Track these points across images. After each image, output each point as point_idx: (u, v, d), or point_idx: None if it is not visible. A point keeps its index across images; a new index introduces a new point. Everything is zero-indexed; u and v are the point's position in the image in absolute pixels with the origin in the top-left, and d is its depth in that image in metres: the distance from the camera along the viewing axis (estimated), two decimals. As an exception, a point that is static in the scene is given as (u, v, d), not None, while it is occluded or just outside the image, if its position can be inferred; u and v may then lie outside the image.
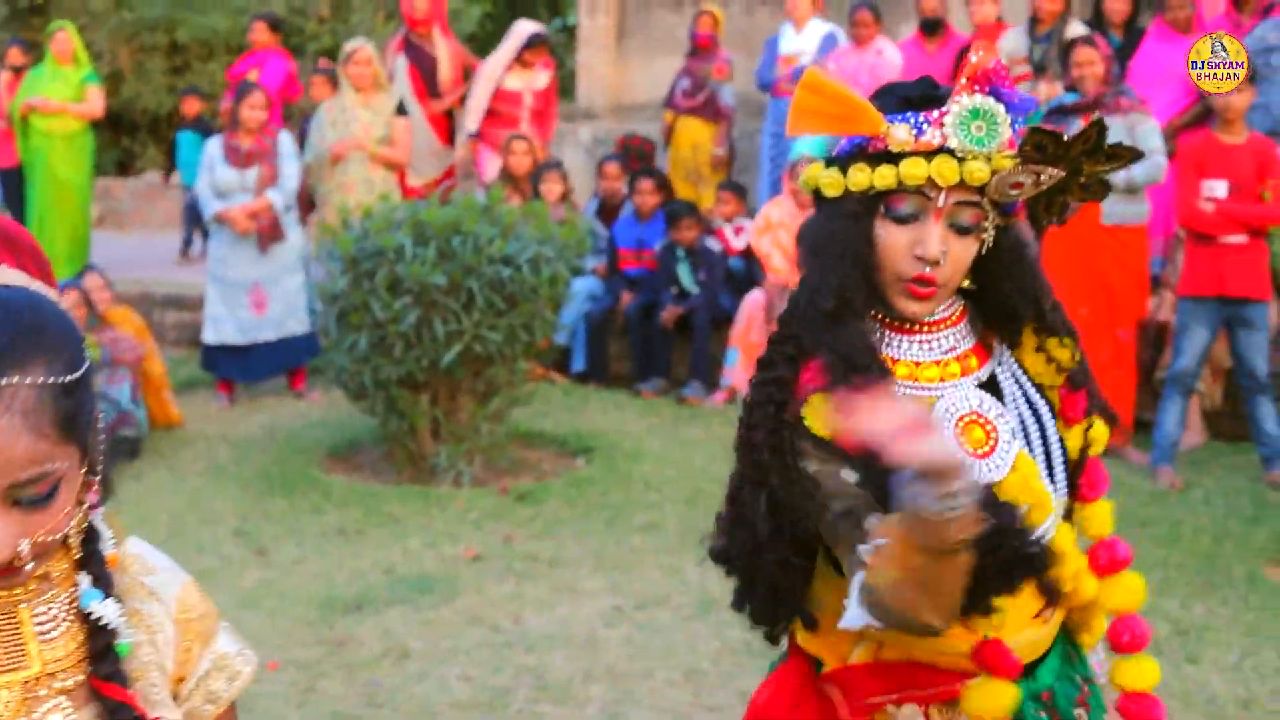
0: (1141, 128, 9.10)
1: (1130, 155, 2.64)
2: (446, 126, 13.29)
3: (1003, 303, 2.74)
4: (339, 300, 8.97)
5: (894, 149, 2.60)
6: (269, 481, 9.16)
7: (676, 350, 11.44)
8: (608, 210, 12.34)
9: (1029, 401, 2.76)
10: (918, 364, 2.72)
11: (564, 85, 18.65)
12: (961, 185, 2.59)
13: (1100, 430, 2.79)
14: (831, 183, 2.65)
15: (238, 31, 19.84)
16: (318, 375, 11.34)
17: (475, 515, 8.48)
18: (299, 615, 6.98)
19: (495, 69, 12.99)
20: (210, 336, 11.33)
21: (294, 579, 7.51)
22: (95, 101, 13.77)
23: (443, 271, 8.59)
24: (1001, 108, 2.59)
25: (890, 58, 12.14)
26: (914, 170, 2.57)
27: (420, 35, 13.22)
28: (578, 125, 16.35)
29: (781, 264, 10.92)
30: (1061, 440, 2.75)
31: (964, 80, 2.60)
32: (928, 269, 2.62)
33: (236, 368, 11.39)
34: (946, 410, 2.68)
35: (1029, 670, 2.72)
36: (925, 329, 2.72)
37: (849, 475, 2.53)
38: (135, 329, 10.45)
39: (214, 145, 11.27)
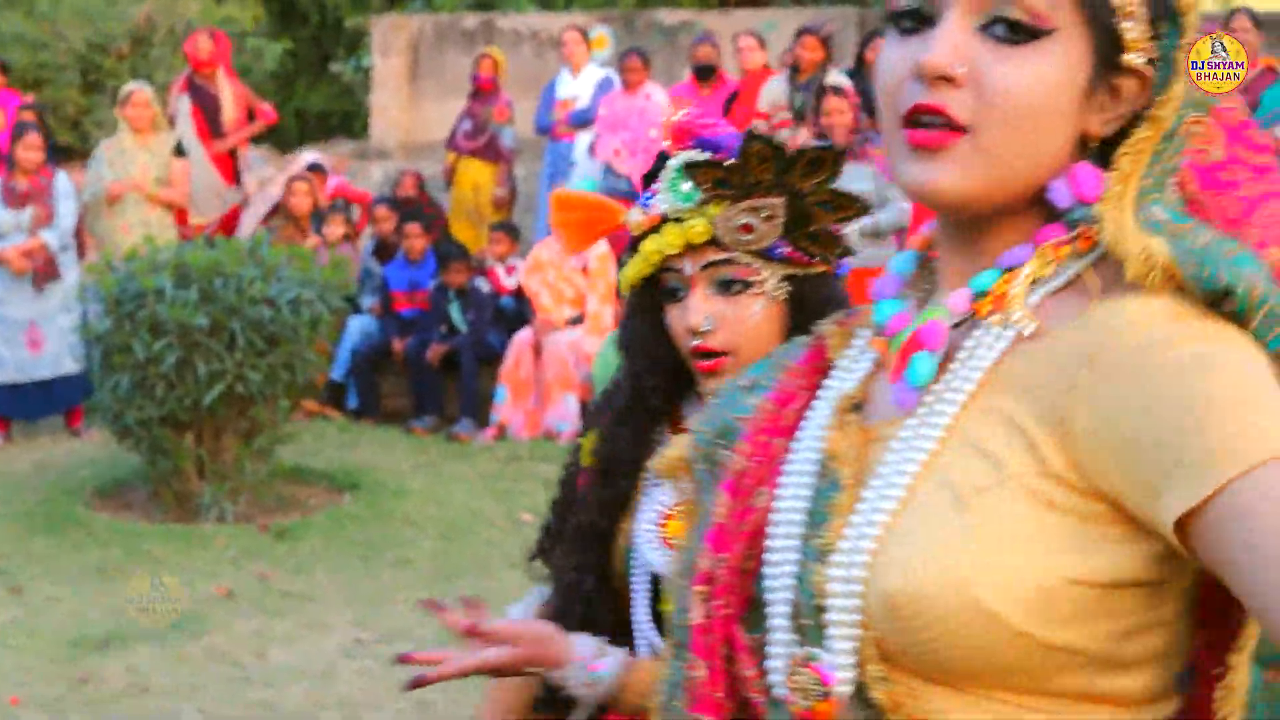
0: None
1: (858, 208, 2.52)
2: (230, 166, 13.41)
3: None
4: (102, 340, 9.09)
5: (635, 233, 2.55)
6: (34, 520, 9.23)
7: (449, 388, 11.66)
8: (385, 250, 12.55)
9: None
10: None
11: (356, 124, 18.86)
12: (710, 246, 2.49)
13: None
14: (623, 279, 2.61)
15: (34, 67, 19.78)
16: (95, 413, 11.42)
17: (234, 553, 8.63)
18: (46, 652, 7.11)
19: (274, 194, 13.09)
20: (-11, 375, 11.34)
21: (46, 617, 7.62)
22: None
23: (204, 313, 8.75)
24: (707, 156, 2.49)
25: (658, 101, 12.49)
26: (650, 248, 2.52)
27: (204, 76, 13.35)
28: (370, 164, 16.55)
29: (549, 302, 11.20)
30: None
31: (668, 143, 2.55)
32: (696, 340, 2.51)
33: (12, 405, 11.42)
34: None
35: None
36: None
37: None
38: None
39: (-12, 184, 11.31)
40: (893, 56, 1.51)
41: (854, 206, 2.48)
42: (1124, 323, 1.41)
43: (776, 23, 14.52)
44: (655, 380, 2.64)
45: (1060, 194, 1.50)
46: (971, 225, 1.53)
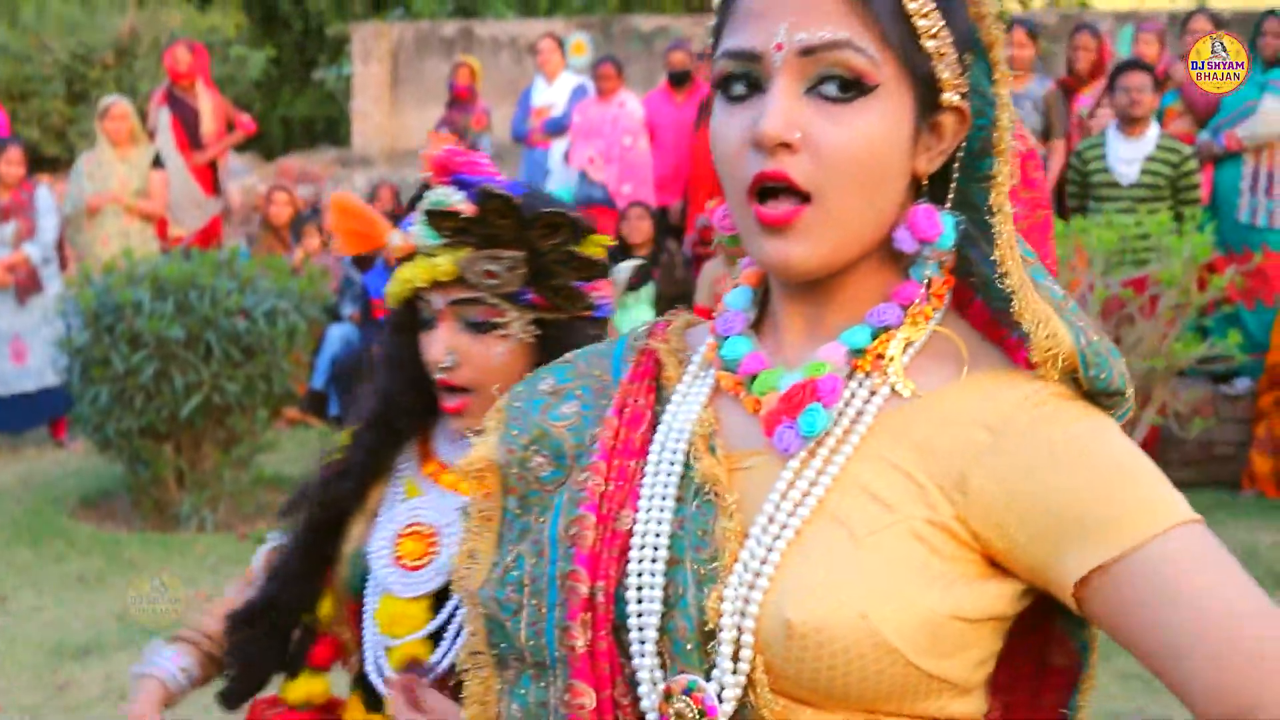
0: None
1: (599, 269, 2.57)
2: (210, 177, 13.54)
3: None
4: (82, 353, 9.24)
5: (395, 257, 2.61)
6: (17, 530, 9.37)
7: (429, 394, 11.78)
8: (364, 258, 12.68)
9: None
10: (444, 465, 2.69)
11: (340, 131, 19.00)
12: (458, 284, 2.52)
13: None
14: (386, 295, 2.67)
15: (19, 79, 19.94)
16: (78, 425, 11.56)
17: (214, 560, 8.78)
18: (27, 661, 7.25)
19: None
20: (-25, 389, 11.49)
21: (28, 625, 7.76)
22: None
23: (181, 325, 8.89)
24: (460, 195, 2.52)
25: (632, 109, 12.63)
26: (404, 275, 2.58)
27: (183, 88, 13.48)
28: (353, 171, 16.71)
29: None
30: None
31: (428, 175, 2.57)
32: (440, 373, 2.56)
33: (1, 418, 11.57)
34: (414, 510, 2.71)
35: None
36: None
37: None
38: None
39: (-35, 198, 11.45)
40: (728, 126, 1.61)
41: (595, 268, 2.54)
42: (1020, 396, 1.57)
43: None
44: (406, 399, 2.68)
45: (905, 241, 1.62)
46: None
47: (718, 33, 1.65)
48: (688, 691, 1.55)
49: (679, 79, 12.99)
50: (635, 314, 11.33)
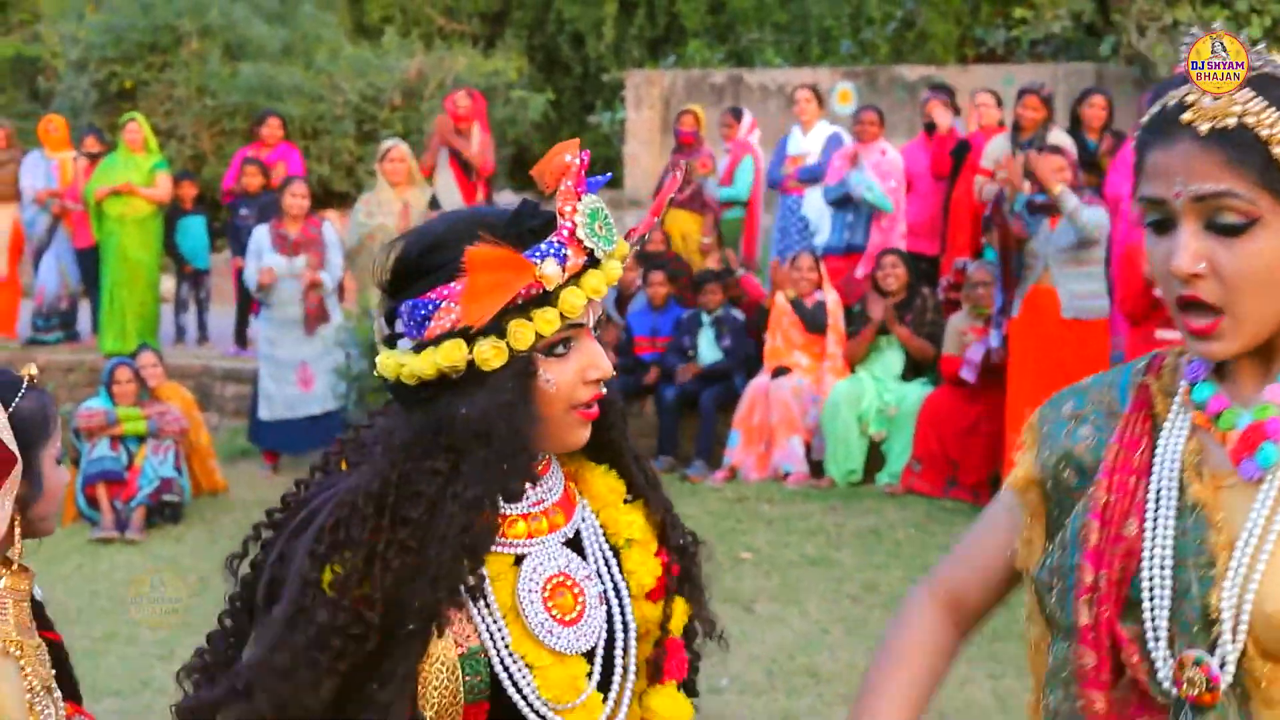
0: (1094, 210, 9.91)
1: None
2: (485, 214, 14.21)
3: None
4: (359, 380, 9.89)
5: (550, 288, 2.33)
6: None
7: (685, 430, 12.23)
8: (623, 299, 13.17)
9: (608, 563, 2.52)
10: (505, 518, 2.43)
11: (615, 173, 19.58)
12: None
13: (682, 609, 2.57)
14: (495, 351, 2.32)
15: (312, 117, 20.89)
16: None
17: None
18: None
19: None
20: (265, 413, 12.21)
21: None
22: (164, 186, 14.77)
23: (449, 356, 9.46)
24: (600, 199, 2.41)
25: (892, 157, 12.96)
26: (575, 300, 2.35)
27: (462, 130, 14.21)
28: (624, 212, 17.25)
29: (781, 345, 11.82)
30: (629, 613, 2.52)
31: (563, 188, 2.36)
32: (603, 387, 2.43)
33: (284, 439, 12.30)
34: (534, 570, 2.43)
35: None
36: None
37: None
38: (183, 403, 11.36)
39: (261, 233, 12.24)
40: (1155, 254, 2.14)
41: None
42: None
43: (1013, 77, 14.86)
44: (531, 460, 2.43)
45: None
46: None
47: (1136, 174, 2.17)
48: (1197, 664, 2.05)
49: (932, 127, 13.30)
50: (887, 357, 11.64)
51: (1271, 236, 2.04)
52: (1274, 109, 2.04)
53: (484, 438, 2.31)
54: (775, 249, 13.71)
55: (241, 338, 15.09)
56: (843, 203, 12.86)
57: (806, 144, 13.59)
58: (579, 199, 2.36)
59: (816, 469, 11.57)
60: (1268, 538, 2.04)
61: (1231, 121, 2.03)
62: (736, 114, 14.65)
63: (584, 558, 2.48)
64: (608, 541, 2.53)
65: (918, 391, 11.31)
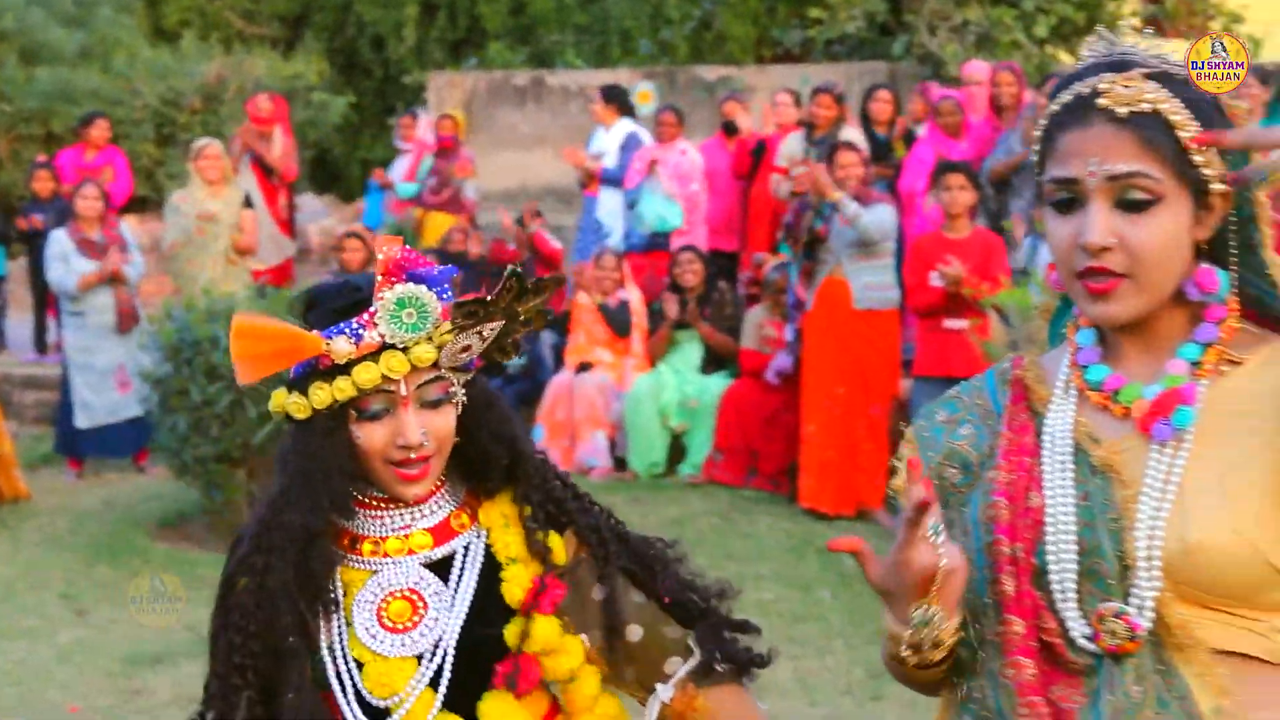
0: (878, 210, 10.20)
1: (551, 284, 2.77)
2: (288, 218, 14.23)
3: (480, 452, 2.83)
4: (162, 384, 9.88)
5: (340, 361, 2.66)
6: (99, 550, 10.01)
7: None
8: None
9: (470, 585, 2.81)
10: (382, 539, 2.82)
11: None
12: (431, 367, 2.71)
13: (547, 628, 2.77)
14: (298, 406, 2.71)
15: (111, 122, 20.62)
16: (160, 451, 12.18)
17: (281, 578, 9.35)
18: (105, 668, 7.87)
19: None
20: (83, 421, 11.98)
21: (107, 637, 8.39)
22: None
23: (254, 358, 9.49)
24: (423, 288, 2.67)
25: (692, 156, 13.22)
26: (367, 375, 2.65)
27: (264, 134, 14.19)
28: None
29: (584, 342, 11.98)
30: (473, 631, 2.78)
31: (379, 277, 2.69)
32: (412, 454, 2.72)
33: (105, 444, 12.15)
34: (378, 584, 2.78)
35: None
36: (391, 505, 2.82)
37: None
38: (-17, 411, 11.26)
39: (61, 238, 12.02)
40: (1059, 231, 2.34)
41: (549, 284, 2.77)
42: None
43: (809, 77, 15.16)
44: (333, 498, 2.74)
45: (1193, 291, 2.34)
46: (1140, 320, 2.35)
47: (1041, 158, 2.37)
48: (1118, 615, 2.22)
49: (731, 128, 13.55)
50: (686, 350, 11.86)
51: (1172, 214, 2.27)
52: (1178, 100, 2.27)
53: (291, 472, 2.75)
54: (576, 249, 13.87)
55: (41, 343, 14.92)
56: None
57: (605, 144, 13.79)
58: (390, 288, 2.67)
59: (621, 463, 11.76)
60: (1169, 487, 2.24)
61: (1146, 107, 2.26)
62: (414, 114, 15.07)
63: (446, 580, 2.80)
64: (496, 560, 2.82)
65: (718, 384, 11.51)
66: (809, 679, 7.26)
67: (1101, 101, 2.28)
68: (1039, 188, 2.40)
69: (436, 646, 2.74)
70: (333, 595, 2.76)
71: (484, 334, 2.73)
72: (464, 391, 2.79)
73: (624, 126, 13.80)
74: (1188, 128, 2.26)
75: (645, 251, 13.05)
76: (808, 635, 7.86)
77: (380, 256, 2.70)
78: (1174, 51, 2.34)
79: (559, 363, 12.38)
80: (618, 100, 14.04)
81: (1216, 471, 2.24)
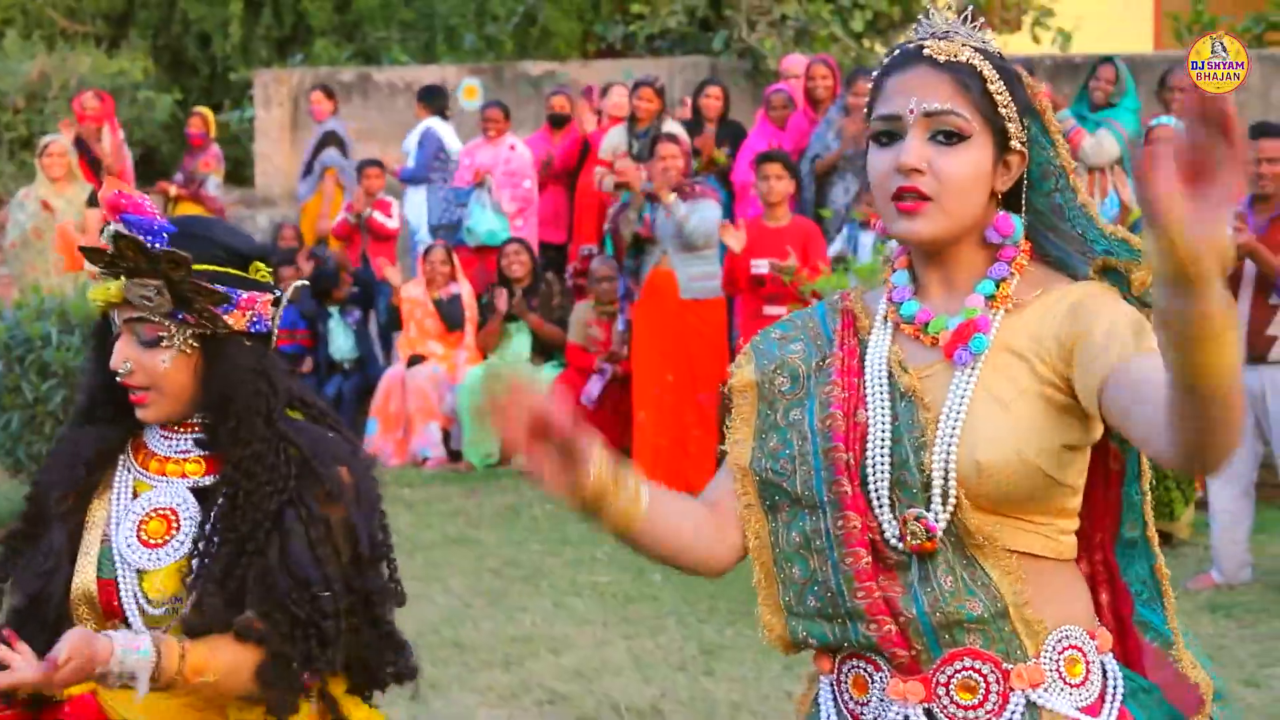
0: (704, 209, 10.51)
1: (219, 297, 3.03)
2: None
3: (212, 408, 3.11)
4: (-6, 380, 9.93)
5: (95, 279, 3.13)
6: (-67, 550, 9.96)
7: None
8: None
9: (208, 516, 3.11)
10: (166, 459, 3.17)
11: (245, 172, 19.58)
12: (128, 304, 3.02)
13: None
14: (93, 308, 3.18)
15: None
16: None
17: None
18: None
19: None
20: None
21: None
22: None
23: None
24: (124, 228, 2.93)
25: (521, 151, 13.44)
26: (93, 294, 3.08)
27: (90, 131, 14.18)
28: (256, 210, 17.35)
29: (415, 335, 12.13)
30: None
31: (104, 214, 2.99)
32: (119, 378, 3.06)
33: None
34: (148, 499, 3.13)
35: None
36: (174, 430, 3.17)
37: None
38: None
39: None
40: (879, 162, 2.63)
41: (216, 295, 3.02)
42: (1084, 292, 2.60)
43: (632, 71, 15.38)
44: (106, 394, 3.16)
45: (992, 235, 2.69)
46: (941, 257, 2.69)
47: (871, 105, 2.67)
48: (918, 519, 2.55)
49: (557, 121, 13.78)
50: (516, 341, 12.08)
51: (977, 151, 2.60)
52: (989, 62, 2.63)
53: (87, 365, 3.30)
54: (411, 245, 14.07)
55: None
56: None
57: (408, 143, 14.24)
58: (107, 225, 2.98)
59: (455, 455, 11.94)
60: (960, 408, 2.56)
61: (963, 57, 2.62)
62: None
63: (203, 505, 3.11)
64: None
65: (548, 374, 11.66)
66: (643, 658, 7.41)
67: (926, 50, 2.63)
68: (864, 173, 2.71)
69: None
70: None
71: (147, 287, 2.97)
72: (194, 344, 3.04)
73: (425, 124, 14.19)
74: (996, 83, 2.62)
75: (476, 248, 13.25)
76: (641, 615, 8.05)
77: (103, 196, 3.00)
78: (991, 39, 2.70)
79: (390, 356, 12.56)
80: (428, 101, 14.43)
81: (1002, 397, 2.56)
